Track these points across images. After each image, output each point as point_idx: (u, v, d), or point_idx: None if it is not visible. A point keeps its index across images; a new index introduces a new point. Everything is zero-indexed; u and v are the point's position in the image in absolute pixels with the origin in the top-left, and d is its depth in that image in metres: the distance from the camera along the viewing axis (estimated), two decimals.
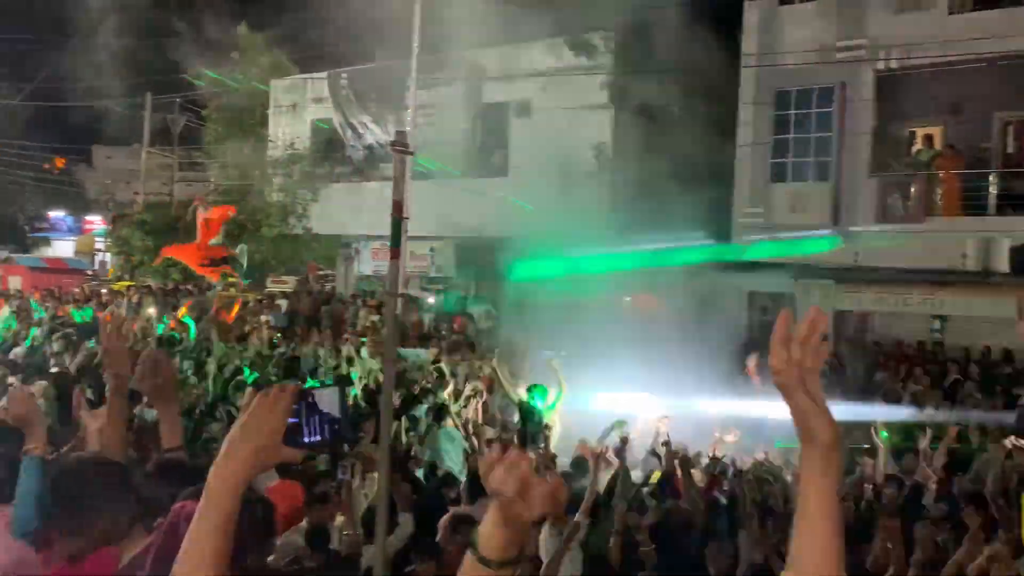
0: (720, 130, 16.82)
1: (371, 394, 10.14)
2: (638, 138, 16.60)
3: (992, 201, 14.68)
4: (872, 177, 15.69)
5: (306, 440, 1.62)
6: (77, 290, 24.14)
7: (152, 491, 2.83)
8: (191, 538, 1.58)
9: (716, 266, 17.00)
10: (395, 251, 5.19)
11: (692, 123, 16.60)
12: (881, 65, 15.51)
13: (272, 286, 23.76)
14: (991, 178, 14.81)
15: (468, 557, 1.46)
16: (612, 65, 18.14)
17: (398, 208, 5.06)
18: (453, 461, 8.59)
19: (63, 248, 39.61)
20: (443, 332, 18.12)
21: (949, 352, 14.35)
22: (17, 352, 13.66)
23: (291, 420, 1.61)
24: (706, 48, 15.54)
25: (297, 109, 24.98)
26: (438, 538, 5.25)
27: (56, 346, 14.10)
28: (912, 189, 15.29)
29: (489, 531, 1.45)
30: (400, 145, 5.05)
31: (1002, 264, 14.63)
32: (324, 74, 24.18)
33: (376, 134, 23.23)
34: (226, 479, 1.59)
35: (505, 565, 1.46)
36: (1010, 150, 15.49)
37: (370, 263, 23.00)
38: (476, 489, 6.24)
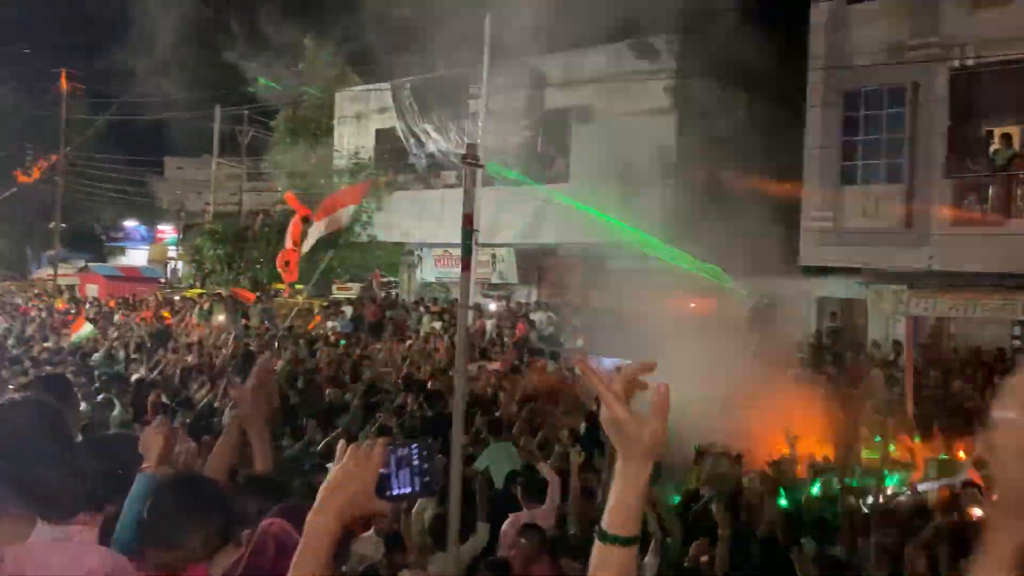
0: (787, 133, 16.53)
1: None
2: (703, 142, 16.39)
3: None
4: (947, 179, 15.21)
5: (396, 492, 1.69)
6: (151, 298, 24.90)
7: (240, 506, 2.89)
8: None
9: (785, 271, 16.69)
10: (466, 262, 5.23)
11: (758, 126, 16.36)
12: (955, 63, 15.02)
13: (337, 293, 24.16)
14: None
15: (599, 551, 1.52)
16: (675, 68, 17.96)
17: (468, 220, 5.09)
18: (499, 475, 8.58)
19: (137, 257, 40.93)
20: (505, 339, 18.18)
21: None
22: (95, 358, 14.13)
23: (382, 471, 1.68)
24: (771, 49, 15.28)
25: (361, 119, 25.35)
26: (502, 545, 5.27)
27: (131, 354, 14.60)
28: (989, 191, 14.77)
29: (615, 504, 1.52)
30: (471, 158, 5.08)
31: None
32: (387, 84, 24.50)
33: (438, 142, 23.45)
34: (321, 530, 1.66)
35: (632, 542, 1.53)
36: None
37: (432, 270, 23.20)
38: (532, 495, 6.28)
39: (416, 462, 1.69)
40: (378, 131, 25.24)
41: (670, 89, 18.19)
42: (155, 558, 2.71)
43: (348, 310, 21.69)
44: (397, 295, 24.54)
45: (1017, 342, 14.92)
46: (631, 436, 1.52)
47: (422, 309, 21.14)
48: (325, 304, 22.99)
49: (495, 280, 22.06)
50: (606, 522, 1.53)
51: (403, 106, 24.00)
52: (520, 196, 19.81)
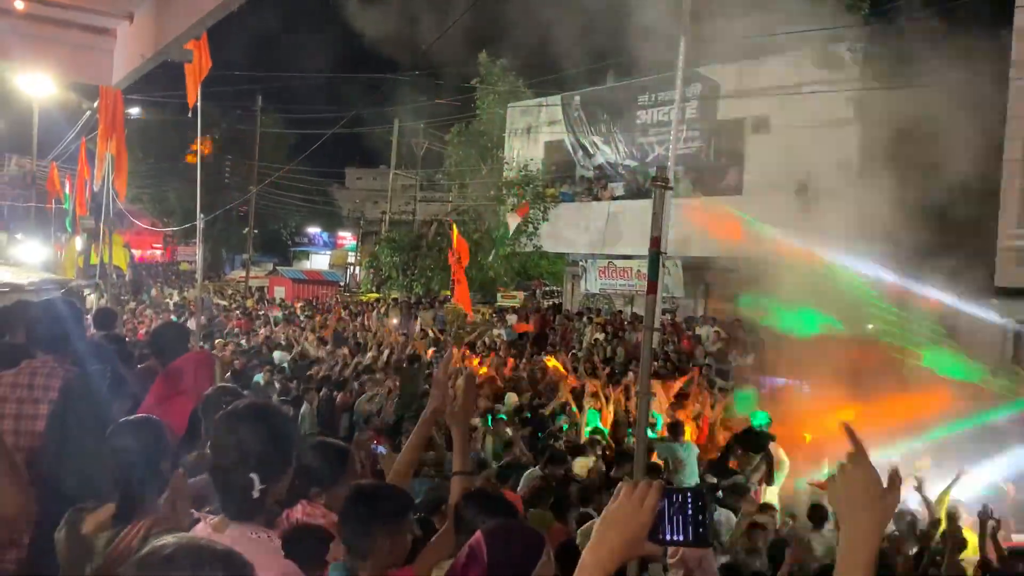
0: (984, 146, 15.37)
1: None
2: (888, 156, 15.53)
3: None
4: None
5: (668, 537, 1.70)
6: (332, 301, 26.37)
7: (469, 515, 3.03)
8: None
9: (982, 292, 15.52)
10: (652, 285, 5.22)
11: (950, 139, 15.31)
12: None
13: (502, 300, 24.67)
14: None
15: None
16: (859, 78, 17.13)
17: (656, 243, 5.09)
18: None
19: (319, 261, 43.44)
20: (669, 353, 17.92)
21: None
22: (277, 356, 15.04)
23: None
24: (967, 56, 14.28)
25: (531, 131, 25.79)
26: None
27: (318, 352, 15.52)
28: None
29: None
30: (661, 180, 5.08)
31: None
32: (558, 97, 24.80)
33: (605, 154, 23.49)
34: (596, 565, 1.70)
35: None
36: None
37: (596, 281, 23.23)
38: None
39: (690, 511, 1.69)
40: (547, 143, 25.57)
41: (853, 100, 17.36)
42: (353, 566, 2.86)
43: (513, 318, 22.08)
44: (560, 305, 24.75)
45: None
46: (873, 499, 1.50)
47: (585, 320, 21.19)
48: (492, 312, 23.52)
49: (661, 293, 21.78)
50: None
51: (572, 118, 24.21)
52: (689, 207, 19.49)
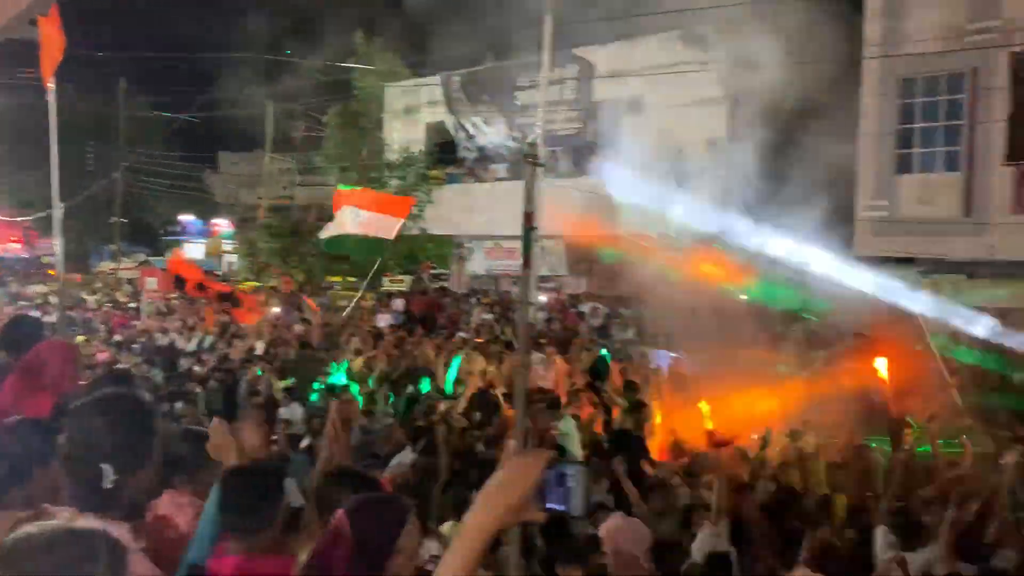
0: (841, 121, 16.28)
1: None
2: (754, 132, 16.23)
3: None
4: (1007, 166, 14.85)
5: (548, 505, 1.78)
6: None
7: (326, 497, 3.01)
8: None
9: (842, 262, 16.46)
10: (526, 260, 5.31)
11: (811, 115, 16.13)
12: (1018, 48, 14.64)
13: (388, 285, 24.43)
14: None
15: None
16: (726, 58, 17.79)
17: (529, 219, 5.17)
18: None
19: (193, 251, 41.80)
20: (555, 330, 18.24)
21: None
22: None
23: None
24: (825, 36, 15.07)
25: (411, 112, 25.58)
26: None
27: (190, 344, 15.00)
28: None
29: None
30: (531, 157, 5.16)
31: None
32: (437, 78, 24.66)
33: (488, 135, 23.57)
34: (480, 530, 1.71)
35: None
36: None
37: (483, 262, 23.35)
38: None
39: (571, 483, 1.77)
40: (428, 124, 25.42)
41: (720, 79, 18.03)
42: (234, 547, 2.82)
43: (399, 303, 21.92)
44: (447, 288, 24.74)
45: None
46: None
47: (473, 301, 21.28)
48: (377, 297, 23.28)
49: (545, 272, 22.08)
50: None
51: (452, 99, 24.15)
52: (570, 187, 19.81)
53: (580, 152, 22.07)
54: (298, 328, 16.56)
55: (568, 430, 9.31)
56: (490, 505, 1.72)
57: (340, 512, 2.34)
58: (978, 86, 14.99)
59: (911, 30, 15.65)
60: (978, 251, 14.84)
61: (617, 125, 20.64)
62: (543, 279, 22.46)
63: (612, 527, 5.33)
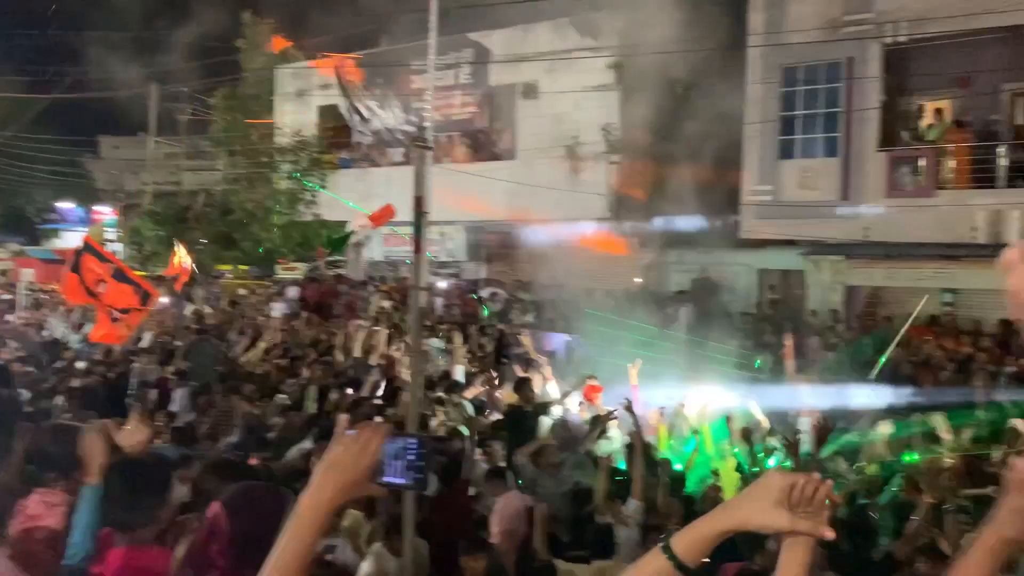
0: (728, 108, 16.82)
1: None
2: (646, 118, 16.59)
3: (1001, 173, 14.66)
4: (881, 151, 15.68)
5: (387, 480, 1.73)
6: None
7: (202, 488, 2.95)
8: (274, 562, 1.66)
9: (727, 244, 17.07)
10: (417, 244, 5.29)
11: (700, 101, 16.59)
12: (889, 39, 15.43)
13: (282, 273, 23.89)
14: (1000, 150, 14.79)
15: (656, 559, 1.49)
16: (618, 45, 18.09)
17: (419, 203, 5.14)
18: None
19: (73, 239, 39.73)
20: (455, 315, 18.25)
21: (961, 325, 14.38)
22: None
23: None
24: (713, 26, 15.52)
25: (303, 95, 25.00)
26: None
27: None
28: (921, 163, 15.28)
29: (696, 536, 1.49)
30: (419, 141, 5.13)
31: (1012, 236, 14.63)
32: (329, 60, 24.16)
33: (383, 119, 23.28)
34: (316, 508, 1.68)
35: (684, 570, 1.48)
36: (1019, 122, 15.43)
37: (381, 249, 23.09)
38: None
39: (412, 457, 1.73)
40: (321, 108, 24.91)
41: (613, 65, 18.32)
42: (119, 540, 2.76)
43: (293, 291, 21.48)
44: (344, 275, 24.39)
45: (948, 309, 15.49)
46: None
47: (371, 289, 21.03)
48: (269, 285, 22.75)
49: (444, 258, 22.07)
50: None
51: (346, 82, 23.72)
52: (468, 173, 19.81)
53: (477, 137, 22.07)
54: (194, 313, 16.09)
55: (467, 410, 9.39)
56: (325, 482, 1.69)
57: (216, 504, 2.29)
58: (854, 75, 15.73)
59: (792, 20, 16.28)
60: (855, 233, 15.62)
61: (513, 110, 20.74)
62: (442, 265, 22.43)
63: (503, 504, 5.41)
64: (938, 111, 15.82)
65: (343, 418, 1.81)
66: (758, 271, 17.93)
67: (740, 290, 17.85)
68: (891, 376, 11.06)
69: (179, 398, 9.63)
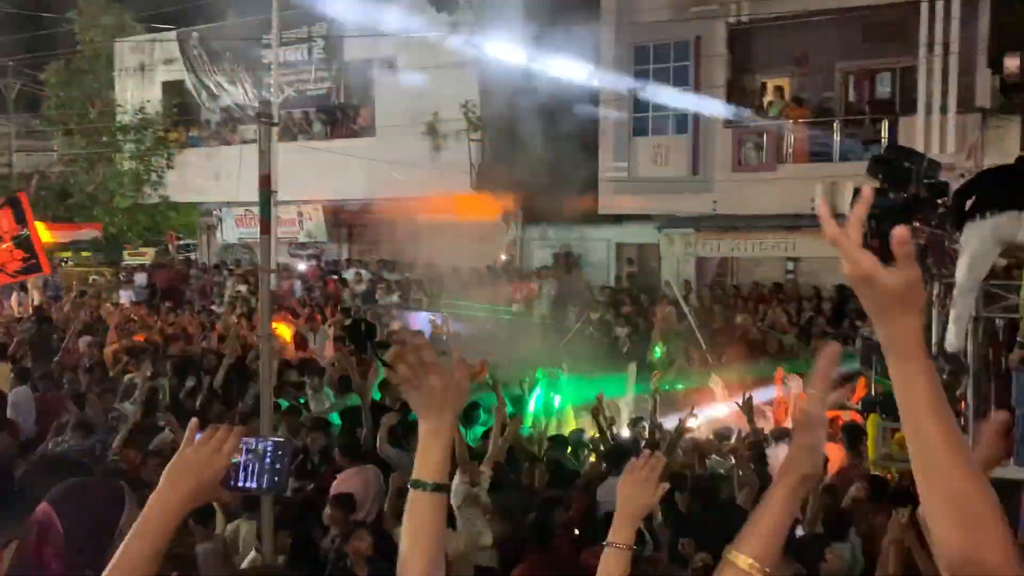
0: (586, 86, 17.10)
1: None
2: (505, 96, 16.63)
3: (836, 148, 15.60)
4: (727, 127, 16.36)
5: (241, 484, 1.65)
6: None
7: (35, 483, 2.73)
8: (117, 563, 1.57)
9: (585, 219, 17.43)
10: (265, 224, 5.09)
11: (559, 78, 16.76)
12: (733, 19, 16.07)
13: (129, 259, 22.67)
14: (835, 126, 15.74)
15: (409, 496, 1.64)
16: (474, 22, 18.02)
17: (265, 181, 4.93)
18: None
19: None
20: (316, 298, 17.86)
21: (803, 291, 15.29)
22: None
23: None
24: (568, 4, 15.70)
25: (145, 71, 23.60)
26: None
27: None
28: (764, 139, 16.06)
29: (420, 453, 1.63)
30: (264, 116, 4.91)
31: (846, 207, 15.61)
32: (173, 34, 22.90)
33: (232, 95, 22.32)
34: (164, 511, 1.60)
35: (439, 488, 1.63)
36: (851, 99, 16.44)
37: (234, 231, 22.22)
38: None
39: (268, 459, 1.65)
40: (165, 84, 23.62)
41: (470, 41, 18.23)
42: None
43: (142, 277, 20.43)
44: (196, 259, 23.38)
45: (791, 276, 16.44)
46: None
47: (225, 273, 20.27)
48: (116, 272, 21.55)
49: (303, 239, 21.51)
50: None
51: (191, 56, 22.56)
52: (326, 150, 19.33)
53: (334, 113, 21.54)
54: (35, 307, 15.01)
55: (331, 398, 9.21)
56: (174, 485, 1.61)
57: (44, 506, 2.13)
58: (701, 54, 16.31)
59: (642, 0, 16.70)
60: (704, 207, 16.28)
61: (371, 86, 20.34)
62: (301, 246, 21.86)
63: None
64: (778, 89, 16.65)
65: (194, 421, 1.70)
66: (617, 245, 18.43)
67: (600, 264, 18.31)
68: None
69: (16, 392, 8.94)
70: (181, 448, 1.66)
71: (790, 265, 16.58)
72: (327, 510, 5.26)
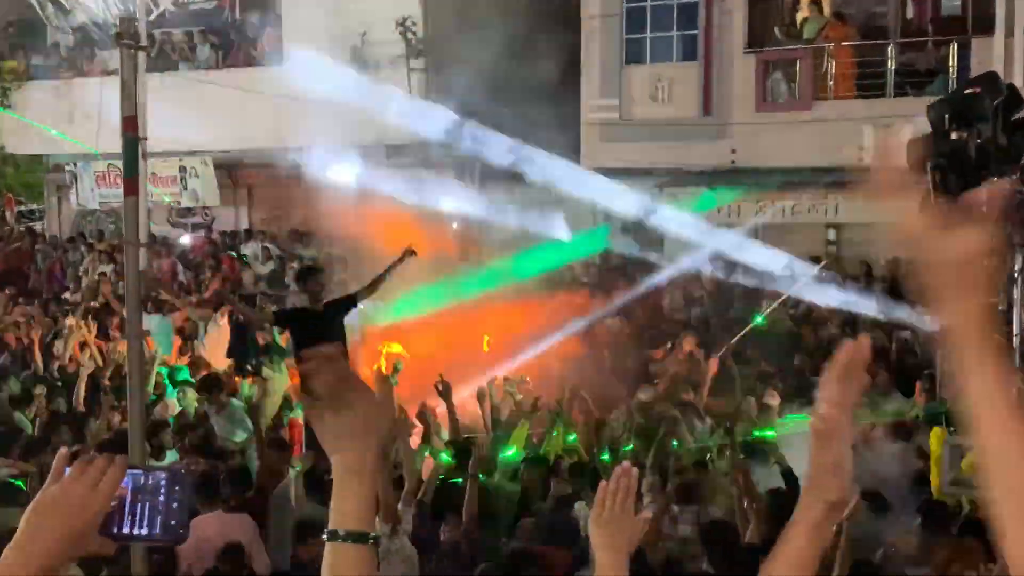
0: (563, 6, 17.08)
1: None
2: (457, 12, 16.55)
3: (890, 80, 15.76)
4: (748, 54, 16.44)
5: (126, 531, 1.61)
6: None
7: None
8: None
9: (570, 175, 17.42)
10: (130, 183, 5.03)
11: None
12: None
13: None
14: (889, 51, 15.89)
15: (326, 550, 1.66)
16: None
17: (131, 125, 4.87)
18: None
19: None
20: (206, 279, 17.74)
21: (847, 266, 15.43)
22: None
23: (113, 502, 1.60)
24: None
25: None
26: None
27: None
28: (797, 67, 16.18)
29: (335, 497, 1.66)
30: (127, 37, 4.83)
31: (903, 158, 15.79)
32: None
33: (89, 10, 22.01)
34: (22, 566, 1.54)
35: (360, 538, 1.65)
36: (909, 16, 16.60)
37: (94, 192, 21.97)
38: None
39: (162, 497, 1.61)
40: None
41: None
42: None
43: None
44: (44, 230, 23.10)
45: (833, 248, 16.60)
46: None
47: (83, 249, 20.07)
48: None
49: (187, 203, 21.32)
50: None
51: None
52: (218, 84, 19.12)
53: (227, 35, 21.29)
54: None
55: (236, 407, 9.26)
56: (37, 532, 1.56)
57: None
58: None
59: None
60: (720, 157, 16.37)
61: (276, 3, 20.18)
62: (185, 213, 21.65)
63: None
64: (816, 3, 16.76)
65: (62, 452, 1.66)
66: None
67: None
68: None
69: None
70: (46, 485, 1.61)
71: (831, 234, 16.74)
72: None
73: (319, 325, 8.74)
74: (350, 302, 9.43)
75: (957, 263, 1.24)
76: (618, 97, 16.99)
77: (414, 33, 18.41)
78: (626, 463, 2.19)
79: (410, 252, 9.46)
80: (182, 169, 20.70)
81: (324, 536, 1.66)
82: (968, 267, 1.24)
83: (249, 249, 19.50)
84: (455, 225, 18.62)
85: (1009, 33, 14.36)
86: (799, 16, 16.96)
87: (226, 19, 21.37)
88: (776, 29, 16.93)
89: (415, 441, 7.56)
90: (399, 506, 6.08)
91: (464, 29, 16.41)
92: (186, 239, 20.98)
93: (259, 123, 19.09)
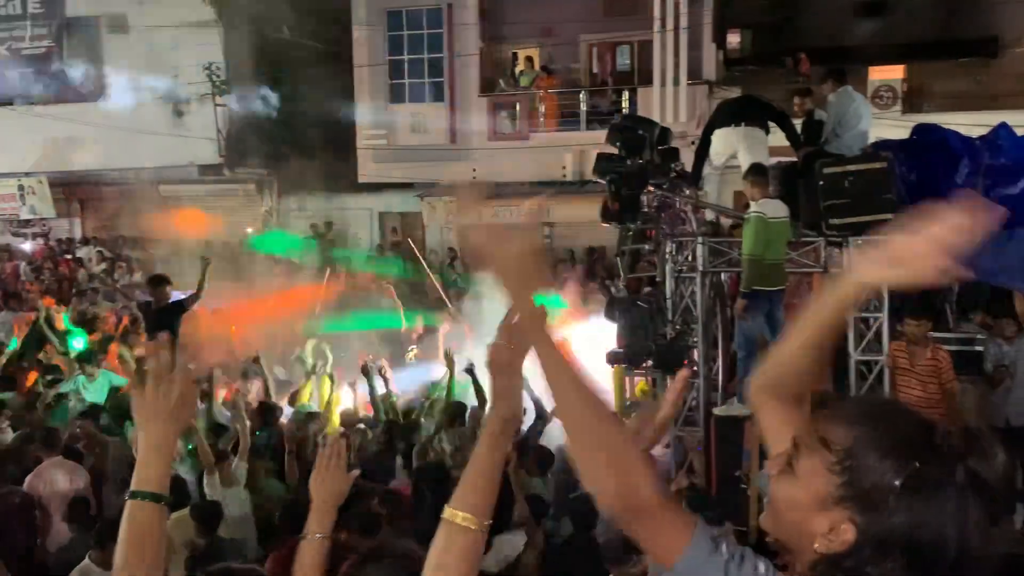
0: (340, 50, 16.73)
1: None
2: (254, 59, 15.87)
3: (583, 116, 16.45)
4: (483, 97, 16.70)
5: None
6: None
7: None
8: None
9: (345, 188, 17.16)
10: None
11: (310, 43, 16.27)
12: None
13: None
14: (581, 96, 16.56)
15: (127, 506, 1.60)
16: None
17: None
18: None
19: None
20: (46, 280, 16.24)
21: (558, 253, 16.03)
22: None
23: None
24: None
25: None
26: None
27: None
28: (517, 108, 16.59)
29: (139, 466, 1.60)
30: None
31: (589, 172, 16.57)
32: None
33: None
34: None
35: (159, 499, 1.60)
36: (595, 70, 17.37)
37: None
38: None
39: None
40: None
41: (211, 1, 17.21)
42: None
43: None
44: None
45: (548, 240, 17.15)
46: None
47: None
48: None
49: (26, 215, 19.38)
50: None
51: None
52: (50, 117, 17.46)
53: (56, 76, 19.44)
54: None
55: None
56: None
57: None
58: (454, 22, 16.47)
59: None
60: (464, 174, 16.56)
61: (99, 46, 18.60)
62: (25, 224, 19.71)
63: None
64: (528, 59, 17.23)
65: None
66: (379, 214, 18.32)
67: (363, 233, 18.12)
68: None
69: None
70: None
71: (546, 230, 17.31)
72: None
73: (163, 320, 8.48)
74: (181, 307, 9.02)
75: (514, 259, 1.31)
76: (385, 128, 16.86)
77: (218, 75, 17.51)
78: None
79: (207, 261, 9.08)
80: (20, 187, 18.81)
81: (127, 496, 1.61)
82: (521, 262, 1.32)
83: (83, 252, 18.01)
84: (250, 230, 17.93)
85: (662, 83, 15.34)
86: (518, 70, 17.42)
87: (54, 65, 19.53)
88: (501, 80, 17.32)
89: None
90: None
91: (259, 73, 15.78)
92: (27, 246, 19.12)
93: (88, 149, 17.65)
